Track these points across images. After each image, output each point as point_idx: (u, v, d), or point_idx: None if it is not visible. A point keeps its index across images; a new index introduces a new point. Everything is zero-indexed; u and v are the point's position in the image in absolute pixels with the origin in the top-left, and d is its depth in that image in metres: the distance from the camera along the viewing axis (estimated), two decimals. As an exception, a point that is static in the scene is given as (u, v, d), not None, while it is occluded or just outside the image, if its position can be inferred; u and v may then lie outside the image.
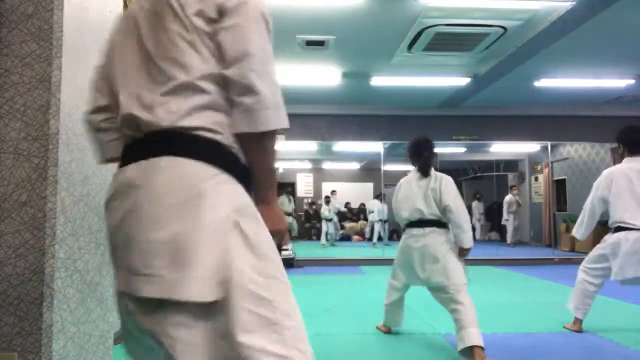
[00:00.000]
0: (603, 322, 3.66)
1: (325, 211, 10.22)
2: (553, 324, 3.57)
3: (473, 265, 7.56)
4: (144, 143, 0.94)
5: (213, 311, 0.84)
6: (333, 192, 11.03)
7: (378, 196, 10.27)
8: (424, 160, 2.94)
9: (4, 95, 1.61)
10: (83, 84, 1.79)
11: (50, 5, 1.64)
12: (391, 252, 8.37)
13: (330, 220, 10.20)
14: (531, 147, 9.30)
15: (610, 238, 3.18)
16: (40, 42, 1.63)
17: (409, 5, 3.98)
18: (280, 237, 1.04)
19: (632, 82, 6.17)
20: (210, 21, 0.94)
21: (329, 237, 10.09)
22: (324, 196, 11.02)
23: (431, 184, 2.87)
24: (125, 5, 2.89)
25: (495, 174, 10.60)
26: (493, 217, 11.12)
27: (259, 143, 0.96)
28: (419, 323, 3.59)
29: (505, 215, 9.84)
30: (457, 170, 11.95)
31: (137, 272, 0.86)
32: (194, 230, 0.85)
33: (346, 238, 11.60)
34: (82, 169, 1.78)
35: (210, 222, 0.86)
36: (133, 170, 0.93)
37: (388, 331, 3.21)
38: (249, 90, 0.92)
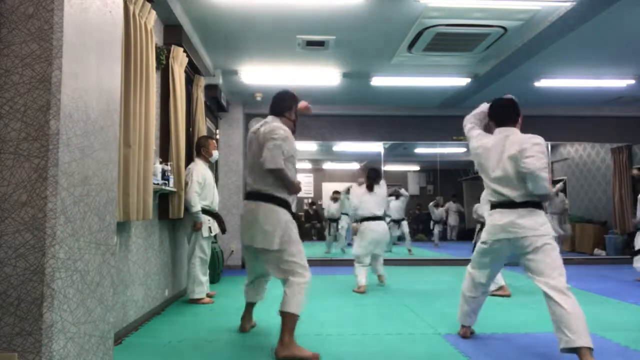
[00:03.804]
0: (603, 322, 3.66)
1: (331, 209, 8.98)
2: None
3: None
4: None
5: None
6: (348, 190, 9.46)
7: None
8: (371, 181, 5.10)
9: (4, 95, 1.62)
10: (83, 84, 1.79)
11: (50, 5, 1.64)
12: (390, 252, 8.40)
13: (335, 221, 9.05)
14: (531, 147, 9.29)
15: None
16: (40, 42, 1.63)
17: (409, 5, 3.98)
18: None
19: (632, 82, 6.17)
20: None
21: (336, 240, 9.05)
22: (328, 194, 10.62)
23: (382, 196, 5.13)
24: (126, 6, 2.89)
25: (495, 174, 10.58)
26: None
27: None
28: (419, 323, 3.59)
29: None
30: (457, 170, 11.95)
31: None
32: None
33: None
34: (82, 169, 1.78)
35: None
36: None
37: (363, 291, 4.91)
38: None
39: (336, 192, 9.22)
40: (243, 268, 7.10)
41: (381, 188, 5.13)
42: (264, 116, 3.24)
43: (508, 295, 4.63)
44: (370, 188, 5.05)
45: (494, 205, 2.92)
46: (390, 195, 7.47)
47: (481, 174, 3.01)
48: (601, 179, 9.16)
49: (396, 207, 8.97)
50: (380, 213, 5.06)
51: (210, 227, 4.33)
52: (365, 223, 4.99)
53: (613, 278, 6.08)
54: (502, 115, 3.04)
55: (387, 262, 7.38)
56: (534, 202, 2.78)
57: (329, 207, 9.33)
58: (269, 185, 2.88)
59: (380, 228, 4.99)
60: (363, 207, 5.02)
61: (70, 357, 1.70)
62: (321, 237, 11.25)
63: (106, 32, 2.02)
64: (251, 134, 3.04)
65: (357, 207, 5.06)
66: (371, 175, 5.14)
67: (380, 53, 5.22)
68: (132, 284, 3.33)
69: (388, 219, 8.29)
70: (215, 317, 3.75)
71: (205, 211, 4.27)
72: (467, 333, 3.18)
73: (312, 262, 8.20)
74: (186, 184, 4.16)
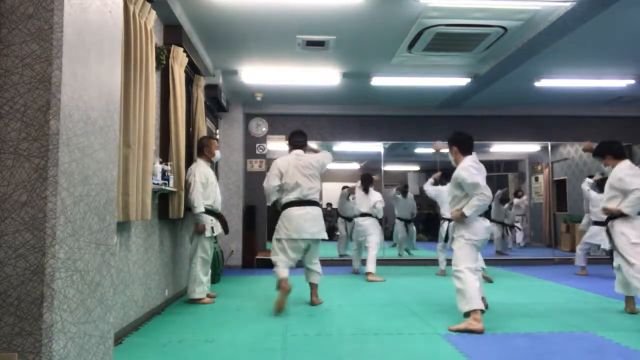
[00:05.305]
0: (603, 322, 3.66)
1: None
2: (553, 324, 3.57)
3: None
4: None
5: None
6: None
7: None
8: (366, 185, 6.18)
9: (4, 95, 1.62)
10: (83, 84, 1.79)
11: (50, 5, 1.64)
12: (390, 252, 8.39)
13: (350, 220, 7.22)
14: (531, 147, 9.29)
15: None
16: (40, 42, 1.63)
17: (409, 5, 3.98)
18: None
19: (632, 82, 6.17)
20: None
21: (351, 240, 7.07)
22: (327, 194, 10.57)
23: (371, 199, 6.09)
24: (126, 6, 2.89)
25: (495, 174, 10.59)
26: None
27: None
28: (419, 323, 3.59)
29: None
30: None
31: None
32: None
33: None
34: (82, 169, 1.78)
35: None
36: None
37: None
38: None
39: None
40: (243, 268, 7.10)
41: (372, 194, 6.13)
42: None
43: (490, 281, 5.56)
44: (366, 191, 6.21)
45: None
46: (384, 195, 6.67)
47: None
48: (601, 179, 9.15)
49: (407, 205, 8.18)
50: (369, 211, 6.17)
51: (212, 227, 4.32)
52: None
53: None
54: (471, 145, 3.70)
55: (388, 262, 7.37)
56: None
57: (347, 205, 7.97)
58: (318, 197, 4.19)
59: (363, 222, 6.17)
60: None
61: (70, 357, 1.70)
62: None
63: (106, 32, 2.02)
64: (296, 160, 4.14)
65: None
66: (365, 180, 6.26)
67: (380, 53, 5.22)
68: (132, 284, 3.33)
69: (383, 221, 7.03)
70: (216, 317, 3.75)
71: (208, 211, 4.27)
72: (481, 320, 3.31)
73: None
74: (188, 184, 4.16)
